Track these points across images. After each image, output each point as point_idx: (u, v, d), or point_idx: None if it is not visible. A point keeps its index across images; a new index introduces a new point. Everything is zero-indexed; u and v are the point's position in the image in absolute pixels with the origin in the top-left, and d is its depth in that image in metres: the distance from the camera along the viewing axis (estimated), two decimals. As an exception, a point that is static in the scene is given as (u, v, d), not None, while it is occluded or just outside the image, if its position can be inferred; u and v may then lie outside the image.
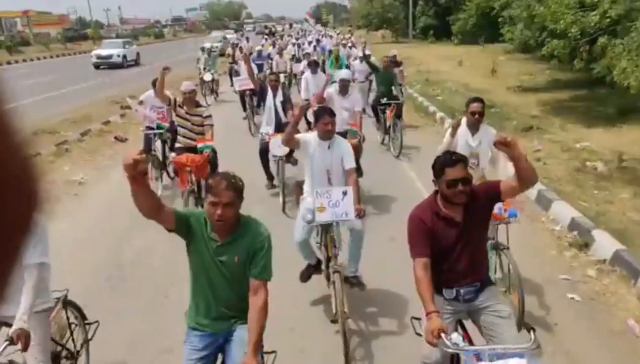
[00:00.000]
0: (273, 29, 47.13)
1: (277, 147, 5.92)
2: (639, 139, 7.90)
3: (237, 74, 12.20)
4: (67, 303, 3.00)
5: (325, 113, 4.01)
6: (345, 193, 3.54)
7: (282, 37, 28.11)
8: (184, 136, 5.64)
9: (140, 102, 7.24)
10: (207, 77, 13.40)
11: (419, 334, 2.72)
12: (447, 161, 2.55)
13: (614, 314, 3.92)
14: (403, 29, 38.74)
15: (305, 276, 4.16)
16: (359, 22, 49.39)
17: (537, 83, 13.99)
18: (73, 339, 3.07)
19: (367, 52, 15.64)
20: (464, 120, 4.17)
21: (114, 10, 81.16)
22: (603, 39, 7.28)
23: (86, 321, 3.19)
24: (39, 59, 30.44)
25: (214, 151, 5.49)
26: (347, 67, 12.03)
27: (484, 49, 21.72)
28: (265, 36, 27.25)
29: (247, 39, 26.95)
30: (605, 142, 7.91)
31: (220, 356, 2.58)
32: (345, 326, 3.28)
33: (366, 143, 6.54)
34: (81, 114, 11.61)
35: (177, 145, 5.82)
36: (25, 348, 2.38)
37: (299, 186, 4.39)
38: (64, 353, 2.99)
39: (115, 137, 6.98)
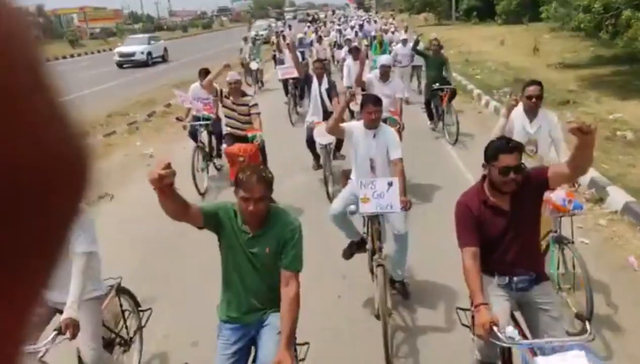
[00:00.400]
0: (315, 16, 47.69)
1: (322, 136, 5.83)
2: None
3: (282, 62, 12.13)
4: (120, 291, 3.03)
5: (369, 101, 3.90)
6: (390, 184, 3.39)
7: (325, 23, 28.15)
8: (232, 127, 5.70)
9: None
10: (253, 65, 13.50)
11: (467, 326, 2.76)
12: (503, 146, 2.45)
13: (618, 254, 4.45)
14: (446, 11, 38.34)
15: (348, 254, 4.08)
16: (401, 6, 49.11)
17: (579, 60, 13.98)
18: (126, 326, 3.09)
19: (414, 36, 14.99)
20: (520, 104, 3.89)
21: (164, 3, 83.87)
22: (627, 12, 7.50)
23: (139, 308, 3.20)
24: (99, 52, 32.61)
25: (262, 140, 5.48)
26: (391, 52, 11.92)
27: (528, 28, 21.39)
28: (308, 23, 27.35)
29: (290, 27, 26.59)
30: (638, 113, 8.15)
31: (253, 349, 2.57)
32: (387, 323, 3.16)
33: (416, 130, 6.45)
34: (147, 98, 12.89)
35: (225, 133, 5.94)
36: (73, 337, 2.41)
37: (345, 175, 4.31)
38: (117, 339, 3.01)
39: (177, 118, 7.87)
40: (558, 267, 3.46)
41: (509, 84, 11.57)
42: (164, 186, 2.09)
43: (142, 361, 3.27)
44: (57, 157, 0.27)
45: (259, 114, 5.59)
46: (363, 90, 6.32)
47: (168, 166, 2.06)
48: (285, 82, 10.79)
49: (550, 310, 2.49)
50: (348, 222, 3.96)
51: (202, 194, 6.20)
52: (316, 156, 6.58)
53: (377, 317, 3.39)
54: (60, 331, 2.37)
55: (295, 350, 2.48)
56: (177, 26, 58.56)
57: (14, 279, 0.26)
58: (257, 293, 2.49)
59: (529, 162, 3.22)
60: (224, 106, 5.81)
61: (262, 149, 5.42)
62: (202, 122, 6.68)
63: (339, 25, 26.48)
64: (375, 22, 25.69)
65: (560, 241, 3.45)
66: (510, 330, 2.23)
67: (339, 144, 6.44)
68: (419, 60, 10.43)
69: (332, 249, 4.37)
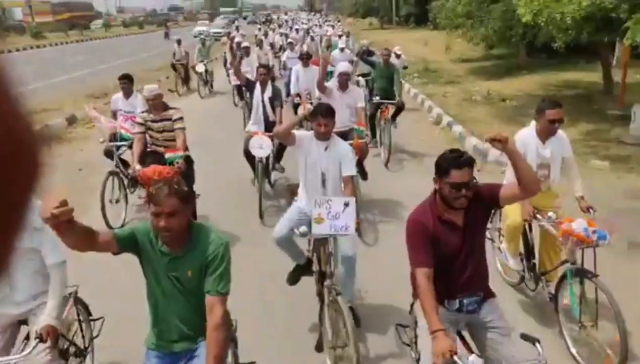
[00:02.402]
0: (269, 17, 51.29)
1: (258, 148, 5.60)
2: (510, 85, 12.73)
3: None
4: (76, 300, 2.99)
5: (320, 112, 3.68)
6: (347, 204, 3.25)
7: (280, 25, 29.42)
8: (155, 145, 5.12)
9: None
10: (200, 68, 13.12)
11: (407, 344, 2.86)
12: (455, 161, 2.39)
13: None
14: (388, 16, 43.41)
15: (294, 279, 3.90)
16: (348, 11, 54.04)
17: (473, 56, 18.77)
18: (83, 336, 3.10)
19: (350, 42, 14.56)
20: (530, 127, 3.73)
21: (111, 1, 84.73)
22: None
23: (91, 318, 3.17)
24: (60, 44, 34.87)
25: (188, 160, 5.04)
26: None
27: (450, 33, 26.35)
28: (259, 26, 27.58)
29: (237, 28, 26.23)
30: (490, 86, 12.69)
31: None
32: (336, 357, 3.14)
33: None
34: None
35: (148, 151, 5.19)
36: (55, 345, 2.46)
37: (290, 190, 4.16)
38: (73, 349, 2.97)
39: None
40: (580, 303, 3.25)
41: (419, 71, 16.01)
42: (60, 224, 1.92)
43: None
44: (8, 132, 0.27)
45: (183, 129, 4.99)
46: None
47: (63, 203, 1.89)
48: (238, 86, 10.03)
49: (498, 327, 2.50)
50: (294, 245, 3.77)
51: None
52: (255, 168, 6.08)
53: (320, 350, 3.38)
54: (41, 339, 2.37)
55: None
56: (132, 23, 60.16)
57: None
58: (185, 320, 2.37)
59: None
60: (144, 124, 5.11)
61: (185, 171, 4.81)
62: (119, 143, 5.77)
63: (280, 26, 27.04)
64: (332, 27, 25.55)
65: (583, 274, 3.23)
66: (474, 359, 2.23)
67: (280, 153, 6.29)
68: (364, 68, 10.22)
69: (272, 269, 4.35)
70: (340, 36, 16.79)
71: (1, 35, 37.89)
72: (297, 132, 3.83)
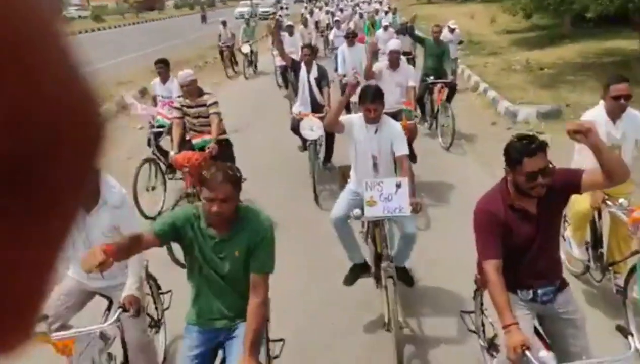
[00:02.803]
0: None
1: (309, 130, 5.56)
2: (551, 54, 13.11)
3: (279, 43, 12.29)
4: (147, 275, 3.10)
5: (367, 97, 3.59)
6: (399, 185, 3.20)
7: (326, 3, 29.31)
8: (193, 131, 5.15)
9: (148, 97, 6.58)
10: (245, 48, 13.16)
11: (473, 331, 2.83)
12: (526, 149, 2.25)
13: None
14: (436, -10, 42.91)
15: (351, 280, 3.79)
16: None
17: (517, 28, 18.91)
18: (156, 308, 3.27)
19: (404, 20, 13.58)
20: (600, 106, 3.56)
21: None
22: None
23: (161, 291, 3.30)
24: (120, 26, 37.15)
25: (226, 143, 5.05)
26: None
27: (501, 5, 26.27)
28: (305, 4, 27.62)
29: (282, 7, 25.96)
30: (531, 56, 13.10)
31: (220, 353, 2.54)
32: (399, 337, 3.08)
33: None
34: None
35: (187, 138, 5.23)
36: (137, 314, 2.56)
37: (343, 173, 4.08)
38: (149, 321, 3.12)
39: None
40: None
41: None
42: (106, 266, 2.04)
43: (168, 340, 3.43)
44: (71, 111, 0.27)
45: (218, 114, 4.95)
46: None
47: (105, 257, 2.02)
48: (283, 67, 10.04)
49: (573, 319, 2.42)
50: (352, 236, 3.69)
51: (153, 218, 5.19)
52: (303, 139, 6.07)
53: (388, 330, 3.25)
54: (124, 309, 2.52)
55: (268, 348, 2.57)
56: (177, 5, 61.65)
57: (37, 225, 0.26)
58: (227, 301, 2.43)
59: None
60: (181, 109, 5.15)
61: (222, 155, 4.71)
62: (156, 130, 5.77)
63: (326, 4, 26.72)
64: (380, 2, 25.05)
65: None
66: (545, 355, 2.18)
67: (329, 150, 6.24)
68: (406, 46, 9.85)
69: (322, 256, 4.32)
70: (386, 12, 16.81)
71: (65, 20, 40.61)
72: (345, 118, 3.76)
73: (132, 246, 2.25)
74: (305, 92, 6.06)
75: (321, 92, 6.01)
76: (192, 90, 5.01)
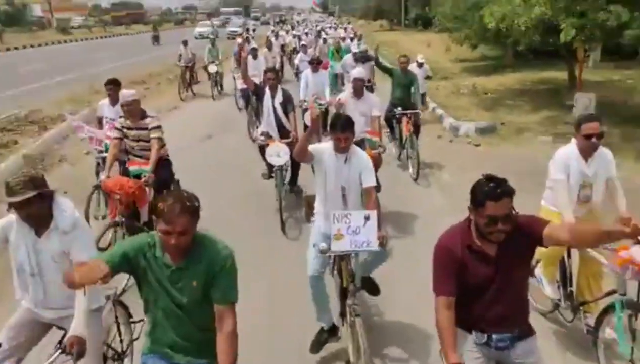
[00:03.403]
0: (283, 18, 53.37)
1: (275, 156, 5.53)
2: (494, 81, 14.73)
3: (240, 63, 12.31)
4: (115, 302, 2.97)
5: (338, 126, 3.50)
6: (367, 218, 3.13)
7: (292, 27, 30.51)
8: (134, 156, 4.93)
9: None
10: (212, 68, 13.25)
11: None
12: (491, 192, 2.20)
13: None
14: (397, 18, 45.48)
15: (317, 346, 3.63)
16: (359, 13, 56.21)
17: (470, 57, 20.74)
18: (121, 340, 3.06)
19: (364, 48, 14.17)
20: (572, 144, 3.52)
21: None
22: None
23: (132, 320, 3.12)
24: (86, 39, 37.33)
25: (165, 162, 4.90)
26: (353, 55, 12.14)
27: (451, 36, 28.37)
28: (272, 27, 28.02)
29: (247, 30, 26.10)
30: (477, 82, 14.65)
31: None
32: None
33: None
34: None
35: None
36: (78, 358, 2.31)
37: (308, 203, 3.97)
38: (110, 353, 2.96)
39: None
40: (634, 340, 2.95)
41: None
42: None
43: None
44: None
45: (159, 139, 4.76)
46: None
47: (106, 275, 2.05)
48: (244, 90, 10.07)
49: None
50: (324, 294, 3.60)
51: (104, 249, 4.50)
52: (269, 165, 6.01)
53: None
54: (64, 350, 2.33)
55: None
56: (153, 21, 62.57)
57: None
58: (185, 332, 2.29)
59: (581, 210, 3.39)
60: (121, 130, 4.89)
61: (160, 184, 4.62)
62: (104, 155, 5.32)
63: (292, 27, 27.68)
64: (345, 29, 26.01)
65: (632, 306, 2.96)
66: None
67: (295, 173, 6.23)
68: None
69: (288, 288, 4.26)
70: (352, 39, 17.37)
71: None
72: (314, 148, 3.64)
73: (89, 274, 2.09)
74: (270, 116, 6.00)
75: (287, 117, 5.98)
76: (133, 111, 4.76)
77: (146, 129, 4.77)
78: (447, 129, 9.90)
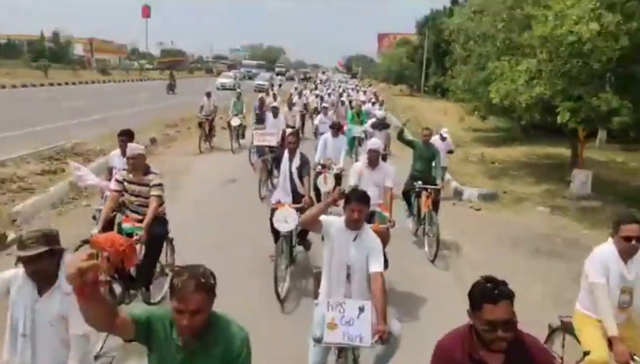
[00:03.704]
0: (307, 75, 55.84)
1: (283, 222, 5.31)
2: (504, 151, 15.56)
3: (261, 121, 11.73)
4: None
5: (354, 198, 3.42)
6: (362, 309, 2.95)
7: (316, 86, 31.11)
8: (131, 211, 4.78)
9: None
10: (235, 121, 12.98)
11: None
12: (489, 294, 2.05)
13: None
14: (417, 84, 47.41)
15: None
16: (381, 77, 58.69)
17: (482, 127, 21.75)
18: None
19: (382, 115, 12.86)
20: (609, 244, 3.32)
21: (167, 44, 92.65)
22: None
23: None
24: (123, 81, 39.70)
25: (159, 222, 4.71)
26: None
27: (464, 106, 29.74)
28: (295, 85, 28.55)
29: (272, 85, 26.46)
30: (486, 151, 15.50)
31: None
32: None
33: (395, 230, 5.48)
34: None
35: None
36: None
37: (317, 278, 3.73)
38: None
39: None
40: None
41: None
42: (86, 283, 1.71)
43: None
44: None
45: (158, 196, 4.67)
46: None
47: (91, 256, 1.72)
48: (260, 148, 9.86)
49: None
50: None
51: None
52: (275, 232, 5.62)
53: None
54: None
55: None
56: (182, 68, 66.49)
57: None
58: None
59: (619, 316, 3.14)
60: (122, 182, 4.79)
61: (150, 240, 4.54)
62: (101, 207, 5.10)
63: (316, 87, 28.11)
64: (364, 92, 26.28)
65: None
66: None
67: (305, 232, 5.89)
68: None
69: None
70: (373, 103, 17.74)
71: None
72: (324, 218, 3.53)
73: (109, 305, 1.97)
74: (286, 181, 5.90)
75: (302, 182, 5.88)
76: (138, 165, 4.70)
77: (147, 185, 4.69)
78: (452, 192, 10.63)
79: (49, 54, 51.18)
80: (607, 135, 16.60)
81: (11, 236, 6.13)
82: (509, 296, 2.07)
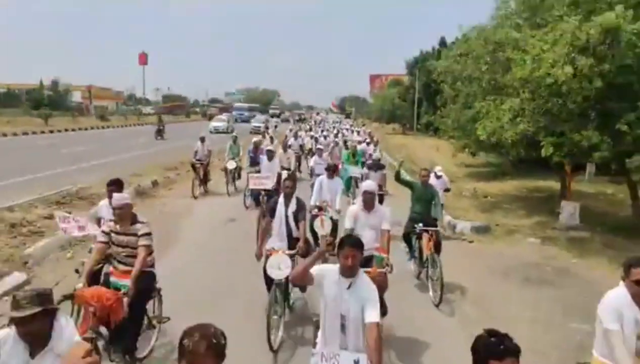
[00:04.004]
0: (303, 116, 57.05)
1: (276, 269, 5.21)
2: (496, 185, 16.02)
3: (255, 163, 11.78)
4: None
5: (347, 243, 3.35)
6: (357, 363, 2.95)
7: (310, 128, 31.67)
8: (118, 262, 4.63)
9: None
10: (231, 165, 13.11)
11: None
12: (493, 349, 2.00)
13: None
14: (410, 123, 48.52)
15: None
16: (374, 116, 60.05)
17: (474, 163, 22.36)
18: None
19: (377, 156, 14.18)
20: (621, 288, 3.17)
21: (163, 90, 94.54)
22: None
23: None
24: (122, 126, 40.48)
25: (147, 276, 4.56)
26: (363, 164, 13.19)
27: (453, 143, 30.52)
28: (291, 126, 29.18)
29: (267, 128, 26.62)
30: (479, 186, 15.96)
31: None
32: None
33: (396, 274, 5.42)
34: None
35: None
36: None
37: (317, 327, 3.69)
38: None
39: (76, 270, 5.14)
40: None
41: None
42: None
43: None
44: None
45: (147, 247, 4.52)
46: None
47: (89, 352, 1.81)
48: (255, 191, 9.92)
49: None
50: None
51: None
52: (267, 279, 5.49)
53: None
54: None
55: None
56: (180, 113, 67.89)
57: None
58: None
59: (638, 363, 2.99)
60: (109, 234, 4.62)
61: (137, 294, 4.34)
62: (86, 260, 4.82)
63: (310, 128, 28.60)
64: (358, 132, 26.89)
65: None
66: None
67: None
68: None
69: None
70: (368, 143, 17.90)
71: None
72: (316, 270, 3.42)
73: None
74: (281, 226, 5.80)
75: (297, 226, 5.80)
76: (124, 215, 4.56)
77: (135, 235, 4.55)
78: (445, 226, 10.96)
79: (48, 101, 52.22)
80: (596, 168, 17.16)
81: (22, 277, 6.35)
82: (515, 351, 2.02)
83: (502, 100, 10.92)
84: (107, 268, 4.73)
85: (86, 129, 35.71)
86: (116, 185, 5.39)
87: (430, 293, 6.83)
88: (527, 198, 14.50)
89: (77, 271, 5.02)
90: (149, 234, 4.58)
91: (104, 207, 5.58)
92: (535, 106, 9.99)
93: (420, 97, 44.95)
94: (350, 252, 3.30)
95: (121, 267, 4.59)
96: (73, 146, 23.43)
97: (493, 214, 12.37)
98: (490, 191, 15.42)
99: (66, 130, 33.55)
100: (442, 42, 43.07)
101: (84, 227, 5.55)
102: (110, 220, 4.73)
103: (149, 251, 4.60)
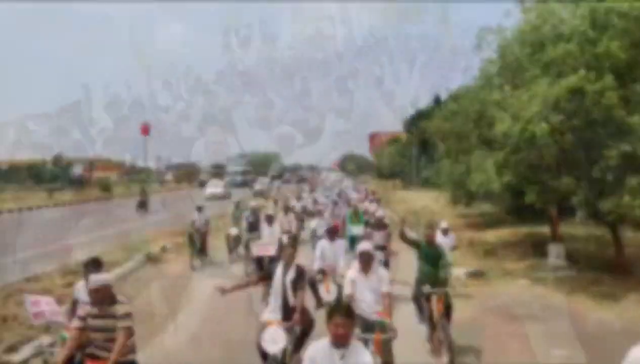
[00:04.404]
0: (302, 178, 58.18)
1: (272, 343, 5.04)
2: (491, 233, 16.97)
3: (254, 228, 11.80)
4: None
5: (337, 311, 3.29)
6: None
7: (312, 189, 31.16)
8: (96, 347, 4.31)
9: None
10: (234, 231, 13.21)
11: None
12: None
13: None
14: (410, 178, 50.00)
15: None
16: (374, 173, 61.79)
17: (472, 213, 23.34)
18: None
19: (381, 215, 13.19)
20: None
21: (164, 158, 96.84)
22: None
23: None
24: (123, 197, 41.75)
25: None
26: (367, 223, 12.97)
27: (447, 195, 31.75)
28: (292, 188, 31.11)
29: (270, 190, 28.21)
30: (475, 235, 16.87)
31: None
32: None
33: (406, 337, 5.40)
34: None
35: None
36: None
37: None
38: None
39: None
40: None
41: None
42: None
43: None
44: None
45: (127, 329, 4.24)
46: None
47: None
48: (258, 259, 9.94)
49: None
50: None
51: None
52: (262, 353, 5.33)
53: None
54: None
55: None
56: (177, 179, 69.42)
57: None
58: None
59: None
60: (85, 319, 4.34)
61: None
62: (51, 349, 4.91)
63: (312, 191, 27.97)
64: (358, 191, 27.37)
65: None
66: None
67: (301, 341, 5.46)
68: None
69: None
70: (371, 201, 18.14)
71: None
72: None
73: None
74: (278, 296, 5.52)
75: (295, 295, 5.48)
76: (102, 298, 4.28)
77: (114, 316, 4.26)
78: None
79: (50, 176, 53.92)
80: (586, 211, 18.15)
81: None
82: None
83: (490, 153, 12.13)
84: (79, 357, 4.44)
85: (90, 201, 37.05)
86: (96, 264, 5.06)
87: (445, 359, 6.51)
88: (521, 243, 15.41)
89: (45, 362, 4.85)
90: (128, 314, 4.32)
91: (81, 290, 5.18)
92: (517, 158, 11.16)
93: (419, 153, 46.77)
94: (341, 321, 3.22)
95: (99, 353, 4.32)
96: (78, 219, 23.47)
97: (488, 261, 13.31)
98: (485, 238, 16.38)
99: (70, 203, 34.85)
100: (437, 100, 45.41)
101: (58, 312, 5.26)
102: (87, 303, 4.46)
103: (129, 333, 4.32)
